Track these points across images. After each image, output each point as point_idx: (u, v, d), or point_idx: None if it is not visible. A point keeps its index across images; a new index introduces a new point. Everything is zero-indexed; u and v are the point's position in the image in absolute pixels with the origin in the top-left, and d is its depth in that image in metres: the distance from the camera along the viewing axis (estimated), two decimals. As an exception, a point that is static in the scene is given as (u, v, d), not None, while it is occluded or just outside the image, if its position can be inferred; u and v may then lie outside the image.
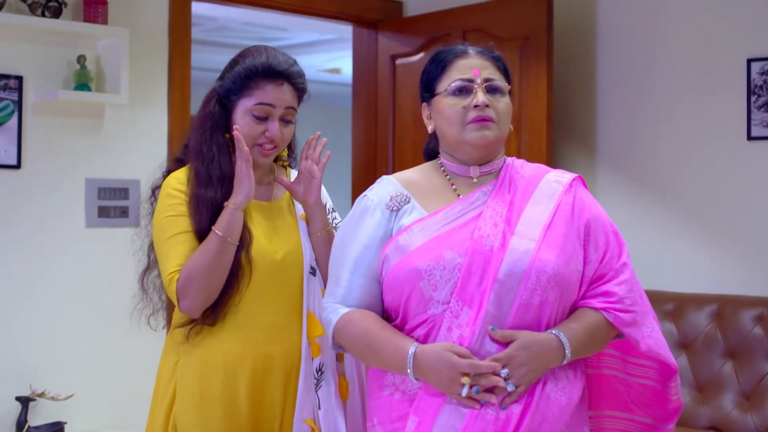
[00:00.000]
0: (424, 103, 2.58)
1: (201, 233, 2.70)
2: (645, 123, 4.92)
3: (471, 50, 2.53)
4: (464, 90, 2.47)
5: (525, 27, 4.98)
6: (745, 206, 4.60)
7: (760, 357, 4.27)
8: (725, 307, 4.42)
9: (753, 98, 4.53)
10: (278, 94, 2.74)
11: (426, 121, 2.58)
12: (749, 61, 4.55)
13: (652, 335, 2.49)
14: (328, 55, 9.35)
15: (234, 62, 2.80)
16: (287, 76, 2.76)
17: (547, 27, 4.90)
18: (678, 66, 4.81)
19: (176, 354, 2.77)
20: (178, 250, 2.69)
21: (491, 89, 2.48)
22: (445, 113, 2.49)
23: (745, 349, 4.31)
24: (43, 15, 4.34)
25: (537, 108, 4.90)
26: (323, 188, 2.97)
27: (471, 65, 2.49)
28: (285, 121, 2.77)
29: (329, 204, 2.98)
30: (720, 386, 4.33)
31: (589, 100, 5.13)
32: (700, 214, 4.74)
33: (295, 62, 2.80)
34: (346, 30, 6.85)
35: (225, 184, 2.72)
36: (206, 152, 2.75)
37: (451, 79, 2.49)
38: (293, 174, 2.96)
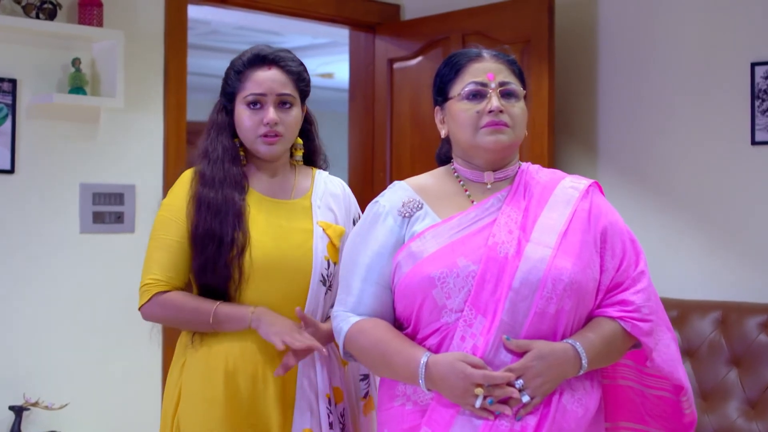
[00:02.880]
0: (437, 107, 2.53)
1: (196, 237, 2.72)
2: (647, 127, 4.87)
3: (485, 53, 2.48)
4: (478, 94, 2.42)
5: (526, 30, 4.92)
6: (749, 211, 4.55)
7: (766, 364, 4.21)
8: (729, 314, 4.36)
9: (757, 102, 4.48)
10: (267, 81, 2.75)
11: (439, 125, 2.53)
12: (753, 65, 4.50)
13: (660, 348, 2.45)
14: (321, 59, 9.31)
15: (228, 67, 2.83)
16: (273, 59, 2.77)
17: (549, 30, 4.85)
18: (680, 70, 4.76)
19: (183, 355, 2.79)
20: (160, 258, 2.74)
21: (506, 93, 2.43)
22: (458, 118, 2.44)
23: (750, 357, 4.25)
24: (37, 17, 4.27)
25: (539, 111, 4.84)
26: (353, 198, 2.94)
27: (485, 69, 2.44)
28: (283, 106, 2.76)
29: (359, 213, 2.92)
30: (725, 394, 4.27)
31: (590, 104, 5.08)
32: (703, 220, 4.69)
33: (286, 50, 2.82)
34: (339, 34, 6.81)
35: (226, 186, 2.73)
36: (211, 153, 2.78)
37: (464, 83, 2.44)
38: (319, 177, 2.91)
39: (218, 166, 2.75)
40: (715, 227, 4.66)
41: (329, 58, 9.27)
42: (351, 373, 2.88)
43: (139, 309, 2.77)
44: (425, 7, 5.59)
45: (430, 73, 5.22)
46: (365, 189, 5.67)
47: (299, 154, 2.91)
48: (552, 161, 4.86)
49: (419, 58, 5.47)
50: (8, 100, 4.26)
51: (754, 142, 4.50)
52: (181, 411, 2.74)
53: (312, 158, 2.96)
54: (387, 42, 5.65)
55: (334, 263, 2.78)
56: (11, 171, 4.29)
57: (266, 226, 2.74)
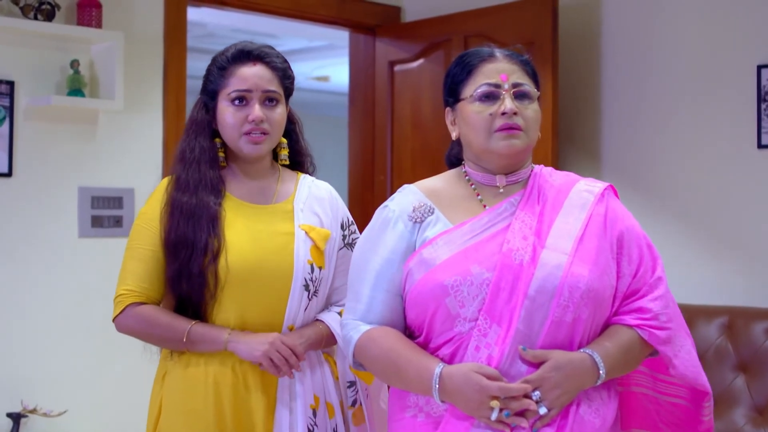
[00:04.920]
0: (448, 108, 2.46)
1: (169, 243, 2.65)
2: (651, 130, 4.83)
3: (498, 53, 2.41)
4: (491, 96, 2.35)
5: (529, 33, 4.87)
6: (756, 216, 4.51)
7: (773, 370, 4.18)
8: (736, 319, 4.32)
9: (763, 105, 4.44)
10: (253, 77, 2.67)
11: (449, 127, 2.47)
12: (759, 68, 4.46)
13: (682, 355, 2.40)
14: (316, 62, 9.26)
15: (210, 64, 2.77)
16: (258, 56, 2.70)
17: (552, 32, 4.81)
18: (685, 73, 4.72)
19: (164, 367, 2.73)
20: (134, 268, 2.69)
21: (519, 95, 2.37)
22: (470, 120, 2.37)
23: (757, 362, 4.22)
24: (35, 18, 4.22)
25: (542, 115, 4.77)
26: (341, 202, 2.86)
27: (498, 69, 2.37)
28: (269, 103, 2.69)
29: (348, 217, 2.85)
30: (732, 400, 4.23)
31: (593, 107, 5.04)
32: (708, 224, 4.65)
33: (270, 47, 2.76)
34: (335, 36, 6.76)
35: (201, 190, 2.66)
36: (188, 156, 2.71)
37: (477, 84, 2.36)
38: (303, 181, 2.83)
39: (194, 168, 2.68)
40: (721, 231, 4.62)
41: (325, 61, 9.22)
42: (342, 383, 2.81)
43: (113, 321, 2.71)
44: (426, 9, 5.55)
45: (431, 76, 5.30)
46: (365, 193, 5.63)
47: (284, 153, 2.82)
48: (555, 165, 4.80)
49: (420, 61, 5.42)
50: (6, 102, 4.21)
51: (760, 146, 4.47)
52: (161, 423, 2.68)
53: (298, 160, 2.88)
54: (387, 44, 5.60)
55: (319, 268, 2.71)
56: (9, 174, 4.24)
57: (244, 230, 2.67)
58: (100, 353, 4.48)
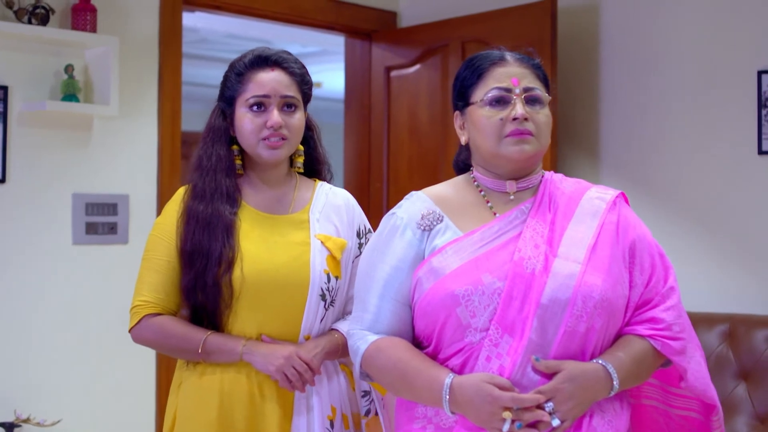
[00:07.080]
0: (457, 112, 2.42)
1: (184, 253, 2.63)
2: (651, 135, 4.80)
3: (509, 56, 2.36)
4: (502, 100, 2.31)
5: (528, 37, 4.84)
6: (756, 222, 4.48)
7: (775, 378, 4.15)
8: (737, 326, 4.29)
9: (764, 111, 4.42)
10: (271, 82, 2.65)
11: (458, 131, 2.42)
12: (760, 73, 4.44)
13: (693, 366, 2.36)
14: (309, 68, 9.13)
15: (227, 70, 2.74)
16: (276, 61, 2.68)
17: (552, 36, 4.78)
18: (685, 78, 4.69)
19: (180, 377, 2.70)
20: (150, 279, 2.67)
21: (531, 100, 2.32)
22: (480, 125, 2.32)
23: (759, 371, 4.19)
24: (29, 22, 4.17)
25: (541, 121, 4.77)
26: (358, 209, 2.83)
27: (509, 73, 2.33)
28: (287, 108, 2.67)
29: (364, 225, 2.81)
30: (733, 409, 4.20)
31: (593, 112, 5.01)
32: (708, 230, 4.62)
33: (288, 52, 2.74)
34: (329, 42, 6.73)
35: (216, 199, 2.64)
36: (205, 164, 2.69)
37: (487, 88, 2.32)
38: (320, 189, 2.80)
39: (210, 177, 2.66)
40: (721, 238, 4.59)
41: (318, 67, 9.18)
42: (357, 393, 2.78)
43: (129, 332, 2.69)
44: (422, 15, 5.53)
45: (428, 82, 5.27)
46: (361, 200, 5.54)
47: (300, 161, 2.80)
48: (555, 170, 4.75)
49: (417, 66, 5.39)
50: (-1, 107, 4.16)
51: (761, 152, 4.44)
52: None
53: (316, 168, 2.86)
54: (383, 49, 5.58)
55: (336, 277, 2.67)
56: (2, 180, 4.19)
57: (259, 240, 2.64)
58: (95, 362, 4.43)
